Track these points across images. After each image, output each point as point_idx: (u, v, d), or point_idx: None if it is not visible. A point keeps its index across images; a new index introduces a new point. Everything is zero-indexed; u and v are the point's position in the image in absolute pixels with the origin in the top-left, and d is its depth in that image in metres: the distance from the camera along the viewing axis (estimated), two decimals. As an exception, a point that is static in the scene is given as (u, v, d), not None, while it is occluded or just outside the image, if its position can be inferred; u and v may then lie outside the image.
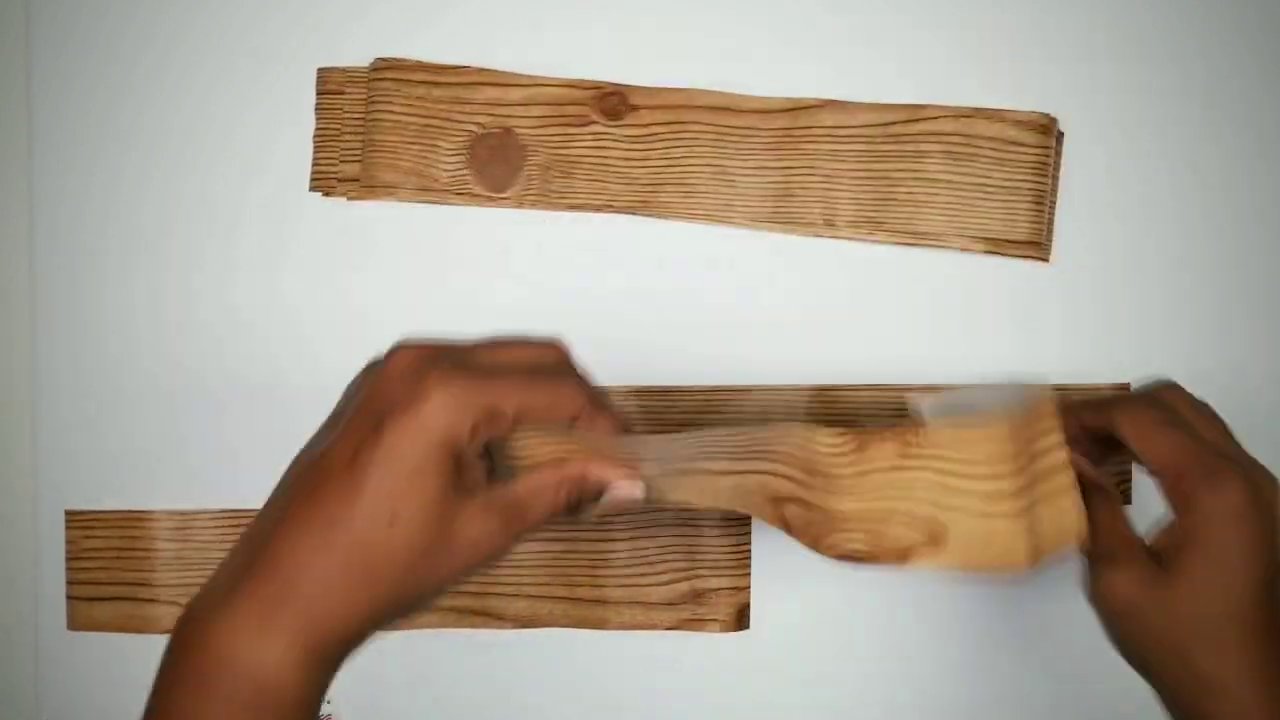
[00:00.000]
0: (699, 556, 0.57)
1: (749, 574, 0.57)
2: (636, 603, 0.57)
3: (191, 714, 0.35)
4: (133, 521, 0.57)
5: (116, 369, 0.57)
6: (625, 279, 0.57)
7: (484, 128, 0.56)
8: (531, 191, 0.56)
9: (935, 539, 0.44)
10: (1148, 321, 0.57)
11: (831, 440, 0.46)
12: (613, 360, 0.55)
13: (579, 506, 0.40)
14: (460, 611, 0.57)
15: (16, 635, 0.58)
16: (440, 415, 0.35)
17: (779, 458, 0.45)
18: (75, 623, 0.57)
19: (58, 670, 0.57)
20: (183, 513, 0.57)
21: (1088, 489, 0.43)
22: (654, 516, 0.57)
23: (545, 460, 0.39)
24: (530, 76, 0.57)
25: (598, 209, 0.57)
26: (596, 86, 0.57)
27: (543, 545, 0.57)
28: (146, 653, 0.56)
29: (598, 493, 0.40)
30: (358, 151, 0.57)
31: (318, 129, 0.57)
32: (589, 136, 0.57)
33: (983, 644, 0.57)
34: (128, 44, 0.57)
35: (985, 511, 0.43)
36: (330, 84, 0.57)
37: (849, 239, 0.56)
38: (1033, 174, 0.56)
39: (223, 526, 0.57)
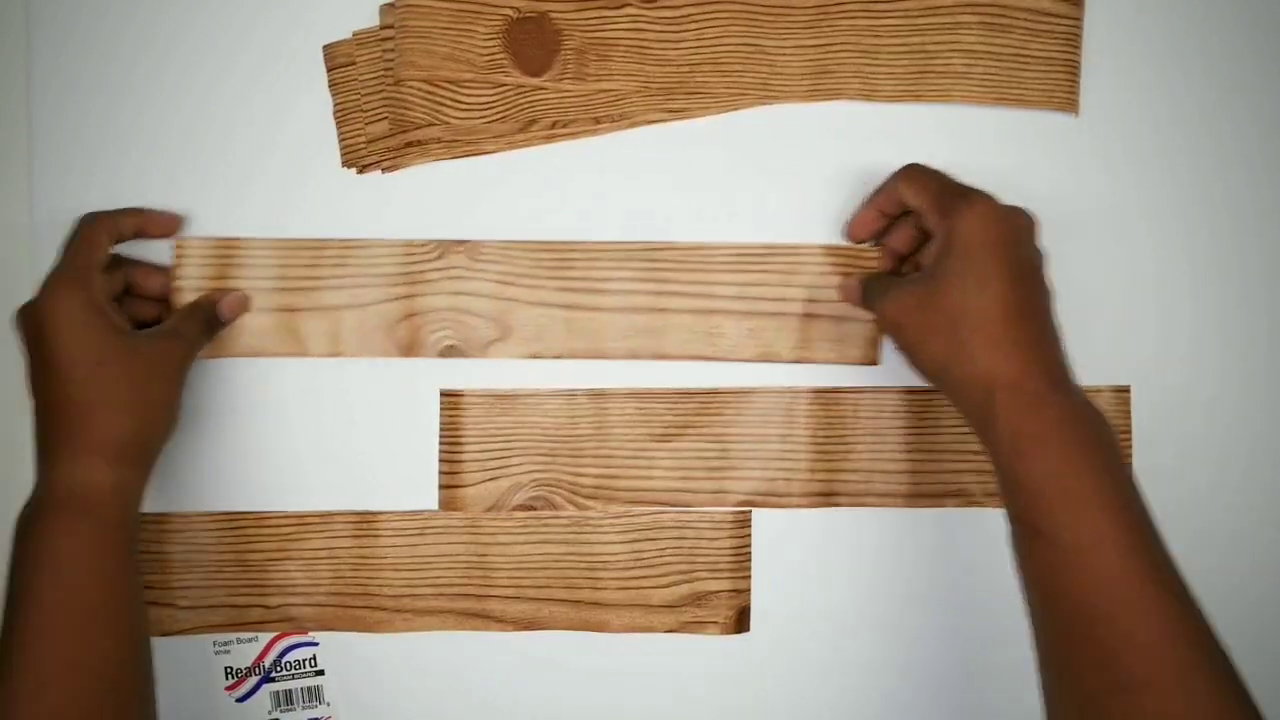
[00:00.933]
0: (699, 559, 0.57)
1: (749, 577, 0.57)
2: (637, 605, 0.57)
3: (57, 547, 0.47)
4: (133, 523, 0.57)
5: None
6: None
7: (519, 12, 0.56)
8: (568, 75, 0.56)
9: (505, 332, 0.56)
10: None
11: (420, 247, 0.57)
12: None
13: (212, 324, 0.55)
14: (460, 614, 0.57)
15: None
16: (65, 301, 0.50)
17: (385, 280, 0.57)
18: (75, 624, 0.57)
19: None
20: (184, 515, 0.57)
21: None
22: (654, 519, 0.57)
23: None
24: (563, -37, 0.56)
25: (635, 91, 0.57)
26: (629, -30, 0.57)
27: (543, 548, 0.57)
28: (146, 654, 0.57)
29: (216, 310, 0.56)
30: (382, 111, 0.57)
31: (336, 105, 0.57)
32: (624, 19, 0.56)
33: (984, 647, 0.57)
34: (128, 44, 0.57)
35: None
36: (339, 57, 0.57)
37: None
38: (1066, 45, 0.56)
39: (223, 529, 0.57)
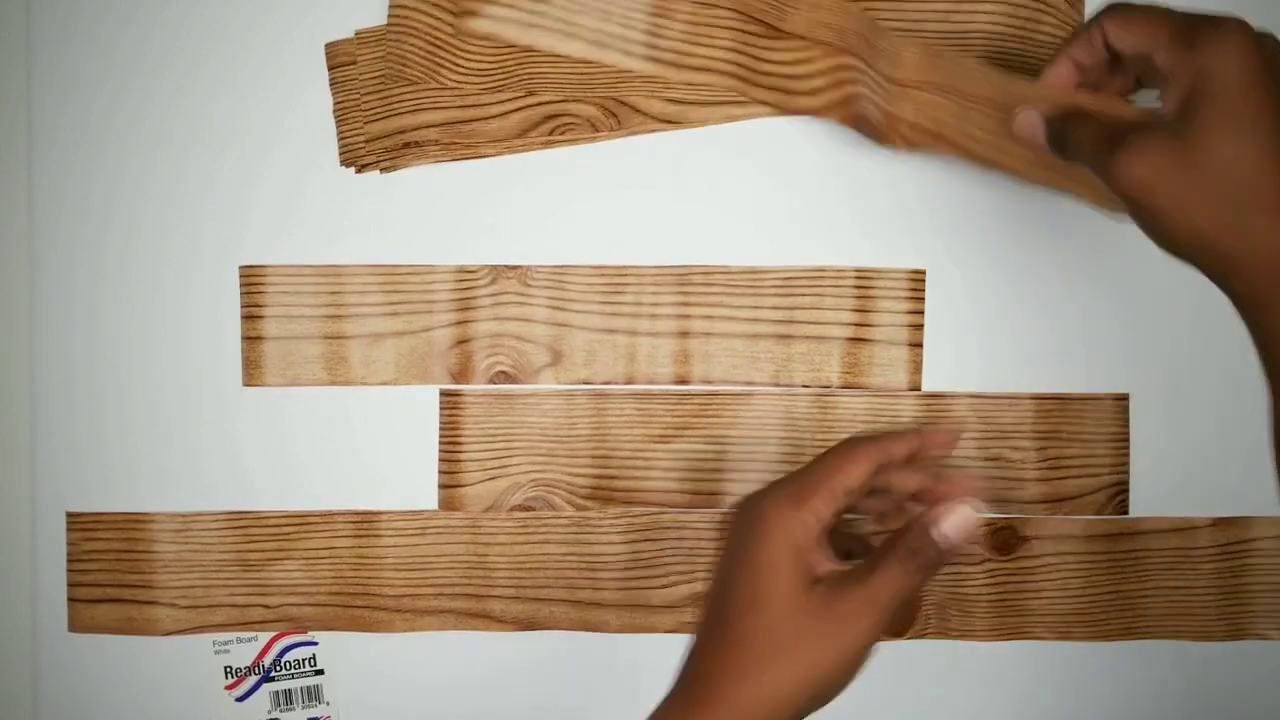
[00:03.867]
0: (699, 559, 0.57)
1: (748, 578, 0.58)
2: (637, 606, 0.57)
3: None
4: (134, 523, 0.57)
5: (116, 370, 0.57)
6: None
7: None
8: None
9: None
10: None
11: (471, 272, 0.57)
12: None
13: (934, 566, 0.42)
14: (460, 614, 0.57)
15: (16, 637, 0.58)
16: (778, 530, 0.41)
17: (437, 306, 0.56)
18: (76, 625, 0.57)
19: (58, 672, 0.57)
20: (184, 515, 0.57)
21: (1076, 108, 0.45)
22: (654, 519, 0.57)
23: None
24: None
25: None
26: None
27: (544, 548, 0.57)
28: (147, 655, 0.57)
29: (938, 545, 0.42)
30: (381, 111, 0.56)
31: (336, 103, 0.56)
32: None
33: (983, 646, 0.58)
34: (128, 43, 0.56)
35: None
36: (341, 56, 0.56)
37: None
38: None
39: (224, 528, 0.57)
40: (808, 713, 0.41)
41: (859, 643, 0.41)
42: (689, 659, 0.43)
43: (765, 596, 0.41)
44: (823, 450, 0.45)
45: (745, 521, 0.43)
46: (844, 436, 0.56)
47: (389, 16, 0.56)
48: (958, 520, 0.41)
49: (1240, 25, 0.40)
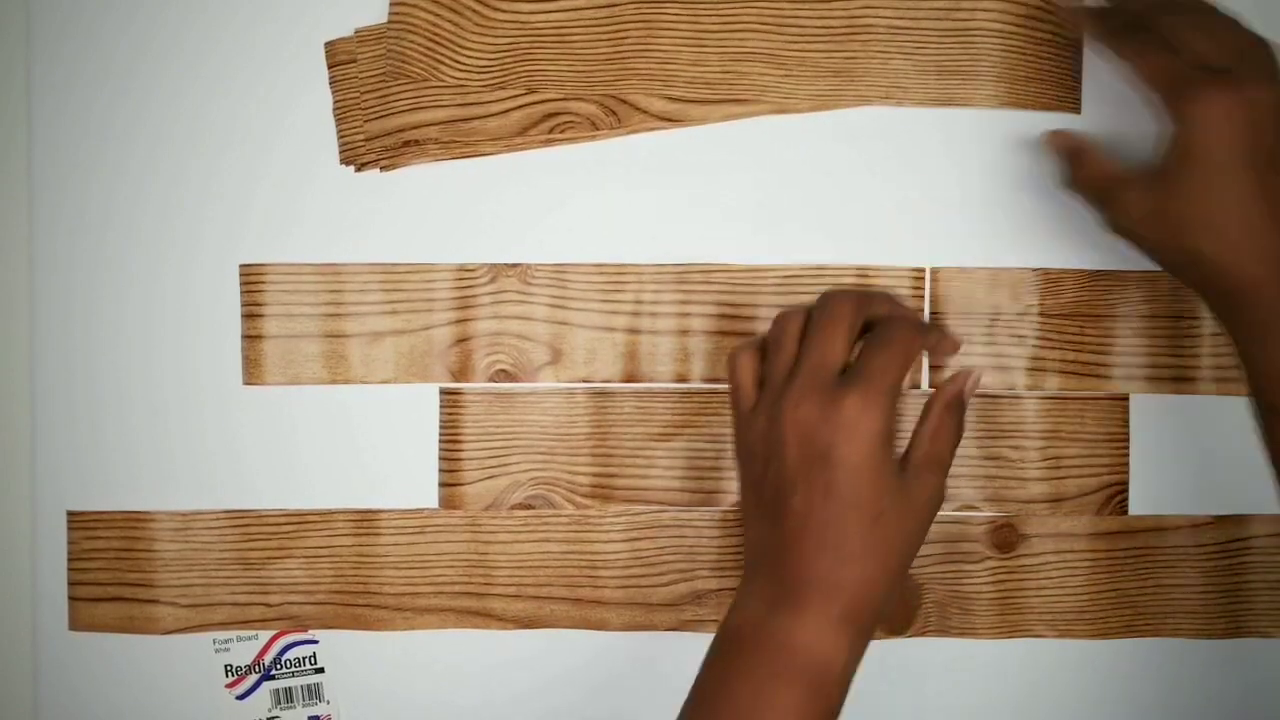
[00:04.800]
0: (699, 558, 0.57)
1: (748, 576, 0.58)
2: (637, 604, 0.57)
3: (762, 694, 0.43)
4: (134, 522, 0.57)
5: (116, 370, 0.57)
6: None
7: None
8: None
9: None
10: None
11: (470, 271, 0.56)
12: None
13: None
14: (460, 612, 0.57)
15: (16, 637, 0.58)
16: (873, 426, 0.43)
17: (436, 305, 0.57)
18: (77, 623, 0.57)
19: (58, 672, 0.57)
20: (184, 513, 0.57)
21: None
22: (654, 517, 0.57)
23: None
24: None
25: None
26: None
27: (544, 546, 0.57)
28: (147, 654, 0.57)
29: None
30: (380, 110, 0.56)
31: (336, 102, 0.56)
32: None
33: (983, 644, 0.58)
34: (128, 43, 0.56)
35: None
36: (340, 55, 0.57)
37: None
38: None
39: (224, 527, 0.57)
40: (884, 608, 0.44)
41: (924, 532, 0.45)
42: (791, 555, 0.44)
43: (862, 505, 0.43)
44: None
45: (828, 441, 0.44)
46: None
47: (390, 13, 0.56)
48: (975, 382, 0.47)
49: (1225, 88, 0.46)
